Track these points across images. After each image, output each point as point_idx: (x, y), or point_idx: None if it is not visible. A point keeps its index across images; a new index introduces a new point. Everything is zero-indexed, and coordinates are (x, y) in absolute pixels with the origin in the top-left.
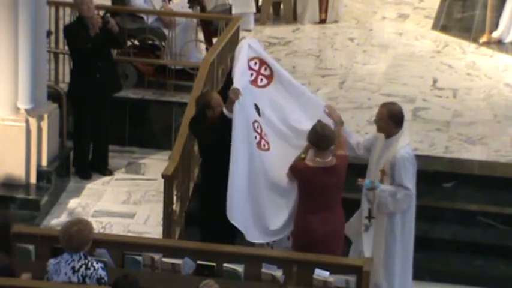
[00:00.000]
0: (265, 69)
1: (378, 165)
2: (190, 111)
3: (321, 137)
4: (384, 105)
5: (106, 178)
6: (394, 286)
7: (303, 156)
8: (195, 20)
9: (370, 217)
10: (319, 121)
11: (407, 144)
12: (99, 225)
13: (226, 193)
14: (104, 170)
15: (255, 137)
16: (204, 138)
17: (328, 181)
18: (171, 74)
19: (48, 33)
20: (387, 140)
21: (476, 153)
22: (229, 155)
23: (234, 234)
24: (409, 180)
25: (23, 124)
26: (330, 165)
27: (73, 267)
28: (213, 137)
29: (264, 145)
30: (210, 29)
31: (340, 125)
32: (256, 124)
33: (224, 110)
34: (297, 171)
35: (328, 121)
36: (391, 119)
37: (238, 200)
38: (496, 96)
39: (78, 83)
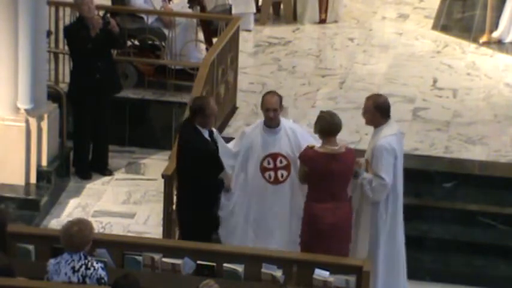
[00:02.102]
0: (281, 161)
1: (366, 155)
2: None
3: (331, 124)
4: (370, 98)
5: (106, 178)
6: (377, 284)
7: (310, 146)
8: (195, 20)
9: None
10: (322, 111)
11: (393, 134)
12: (99, 225)
13: (201, 192)
14: (104, 170)
15: (269, 177)
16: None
17: (337, 168)
18: (171, 74)
19: (48, 33)
20: (375, 130)
21: (476, 153)
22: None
23: (210, 234)
24: (385, 171)
25: (23, 124)
26: (339, 152)
27: (73, 267)
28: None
29: (282, 175)
30: (210, 29)
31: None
32: (266, 161)
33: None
34: (306, 158)
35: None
36: (377, 110)
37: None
38: (496, 96)
39: (78, 83)
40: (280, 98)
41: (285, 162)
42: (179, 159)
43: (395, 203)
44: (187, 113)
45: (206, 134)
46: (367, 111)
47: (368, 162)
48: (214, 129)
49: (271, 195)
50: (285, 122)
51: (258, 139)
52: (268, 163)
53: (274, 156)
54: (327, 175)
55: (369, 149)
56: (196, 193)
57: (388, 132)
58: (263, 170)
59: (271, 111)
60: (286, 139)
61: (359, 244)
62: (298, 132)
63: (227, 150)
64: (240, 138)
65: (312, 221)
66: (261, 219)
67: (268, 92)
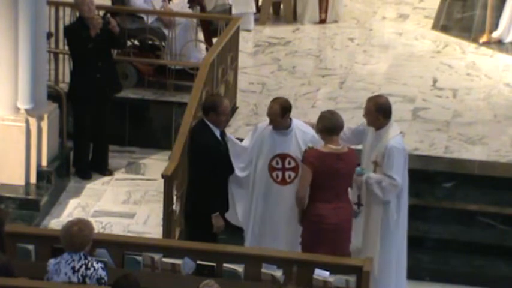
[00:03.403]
0: (289, 162)
1: (370, 156)
2: (190, 112)
3: (334, 122)
4: (370, 99)
5: (106, 178)
6: (391, 280)
7: (310, 146)
8: (195, 20)
9: (359, 204)
10: (324, 111)
11: (398, 134)
12: (99, 225)
13: (210, 192)
14: (104, 170)
15: (276, 176)
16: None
17: (342, 167)
18: (171, 74)
19: (49, 35)
20: (377, 132)
21: (476, 153)
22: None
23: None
24: (396, 171)
25: (23, 124)
26: (342, 152)
27: (73, 267)
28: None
29: (289, 176)
30: (210, 29)
31: None
32: (275, 161)
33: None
34: (311, 158)
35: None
36: (379, 112)
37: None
38: (496, 96)
39: (78, 83)
40: (281, 106)
41: (293, 164)
42: (190, 158)
43: (404, 203)
44: (189, 112)
45: (218, 134)
46: (368, 113)
47: (377, 164)
48: (227, 132)
49: (277, 195)
50: (297, 124)
51: (268, 137)
52: (277, 163)
53: (283, 156)
54: (333, 175)
55: (375, 151)
56: (206, 193)
57: (395, 133)
58: (271, 169)
59: (270, 119)
60: (296, 141)
61: (369, 244)
62: (309, 134)
63: (240, 152)
64: (253, 133)
65: (316, 221)
66: (266, 218)
67: (272, 100)
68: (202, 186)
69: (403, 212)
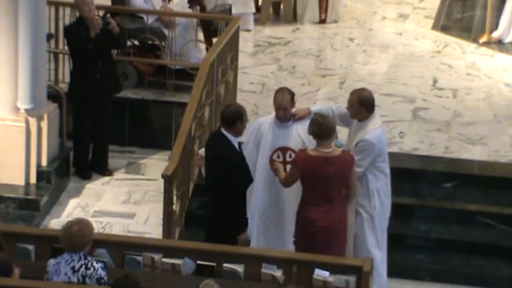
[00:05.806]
0: (290, 155)
1: (351, 144)
2: (190, 112)
3: (323, 127)
4: (354, 93)
5: (106, 178)
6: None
7: (303, 148)
8: (195, 20)
9: None
10: (316, 114)
11: (378, 127)
12: (99, 225)
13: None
14: (104, 170)
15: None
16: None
17: (331, 171)
18: (171, 74)
19: (49, 37)
20: (359, 124)
21: (476, 153)
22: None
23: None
24: (360, 163)
25: (23, 124)
26: (332, 155)
27: (73, 267)
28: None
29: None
30: (210, 29)
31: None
32: (276, 154)
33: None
34: (299, 162)
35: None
36: (361, 106)
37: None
38: (496, 96)
39: (78, 83)
40: (292, 95)
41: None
42: (213, 171)
43: (385, 193)
44: (189, 112)
45: (236, 145)
46: (351, 106)
47: (349, 151)
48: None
49: (279, 189)
50: None
51: (269, 131)
52: (278, 156)
53: (284, 150)
54: (321, 178)
55: (355, 139)
56: (228, 205)
57: (375, 125)
58: (272, 163)
59: (281, 110)
60: (297, 132)
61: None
62: (307, 122)
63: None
64: (251, 126)
65: (305, 223)
66: (269, 211)
67: (280, 90)
68: (233, 199)
69: (379, 209)
